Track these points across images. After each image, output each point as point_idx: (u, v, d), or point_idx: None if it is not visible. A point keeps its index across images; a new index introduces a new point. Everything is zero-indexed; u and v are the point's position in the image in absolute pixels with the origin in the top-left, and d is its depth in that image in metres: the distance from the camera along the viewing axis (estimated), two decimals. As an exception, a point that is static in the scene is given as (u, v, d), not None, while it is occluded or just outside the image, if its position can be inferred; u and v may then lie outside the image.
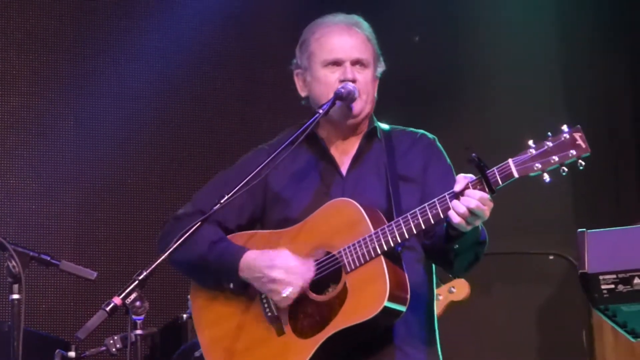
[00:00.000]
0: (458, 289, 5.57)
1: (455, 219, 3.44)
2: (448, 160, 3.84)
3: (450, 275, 3.87)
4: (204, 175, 4.10)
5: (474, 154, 3.40)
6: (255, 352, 3.73)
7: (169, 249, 3.50)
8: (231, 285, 3.75)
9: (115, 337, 4.77)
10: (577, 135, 3.38)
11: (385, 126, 3.94)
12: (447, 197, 3.47)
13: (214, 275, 3.79)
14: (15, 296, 3.73)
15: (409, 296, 3.57)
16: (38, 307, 6.00)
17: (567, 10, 6.76)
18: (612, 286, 3.11)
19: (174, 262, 3.71)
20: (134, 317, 3.38)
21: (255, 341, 3.74)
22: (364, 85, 3.80)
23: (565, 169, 3.40)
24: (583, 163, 3.39)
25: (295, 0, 6.75)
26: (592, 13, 6.76)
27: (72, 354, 5.00)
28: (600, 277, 3.13)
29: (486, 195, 3.44)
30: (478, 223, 3.48)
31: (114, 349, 4.77)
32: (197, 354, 4.80)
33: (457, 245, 3.58)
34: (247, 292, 3.76)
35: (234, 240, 3.82)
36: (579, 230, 3.19)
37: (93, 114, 6.37)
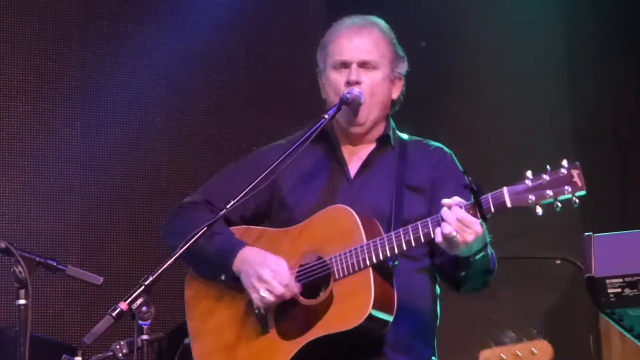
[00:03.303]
0: (540, 351, 4.92)
1: (438, 237, 3.42)
2: (465, 177, 3.66)
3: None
4: (210, 180, 4.11)
5: (470, 178, 3.37)
6: (238, 349, 3.74)
7: (176, 253, 3.50)
8: (223, 277, 3.76)
9: (122, 343, 4.76)
10: (574, 172, 3.34)
11: (404, 135, 3.91)
12: (439, 217, 3.43)
13: (210, 265, 3.79)
14: (22, 301, 3.74)
15: (393, 315, 3.54)
16: (44, 312, 6.00)
17: (571, 12, 6.75)
18: (619, 290, 3.11)
19: (174, 249, 3.60)
20: (140, 322, 3.38)
21: (241, 338, 3.75)
22: (369, 88, 3.77)
23: (559, 205, 3.36)
24: (577, 201, 3.35)
25: (302, 7, 6.75)
26: (596, 15, 6.75)
27: (78, 359, 5.00)
28: (607, 281, 3.13)
29: (469, 218, 3.38)
30: (461, 247, 3.41)
31: (120, 354, 4.76)
32: (186, 341, 4.80)
33: (463, 273, 3.56)
34: (239, 287, 3.75)
35: (238, 235, 3.81)
36: (586, 234, 3.19)
37: (99, 119, 6.38)
